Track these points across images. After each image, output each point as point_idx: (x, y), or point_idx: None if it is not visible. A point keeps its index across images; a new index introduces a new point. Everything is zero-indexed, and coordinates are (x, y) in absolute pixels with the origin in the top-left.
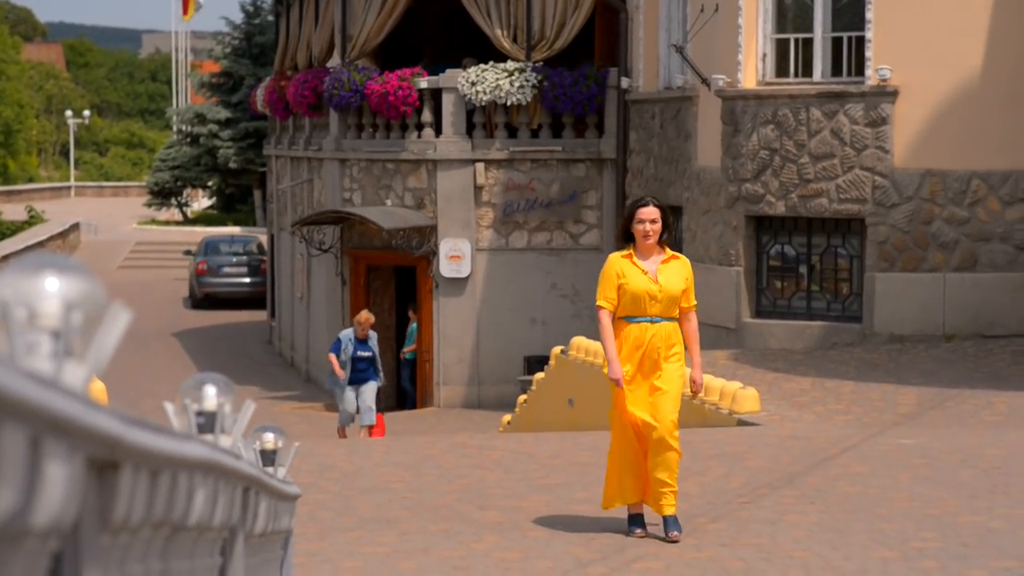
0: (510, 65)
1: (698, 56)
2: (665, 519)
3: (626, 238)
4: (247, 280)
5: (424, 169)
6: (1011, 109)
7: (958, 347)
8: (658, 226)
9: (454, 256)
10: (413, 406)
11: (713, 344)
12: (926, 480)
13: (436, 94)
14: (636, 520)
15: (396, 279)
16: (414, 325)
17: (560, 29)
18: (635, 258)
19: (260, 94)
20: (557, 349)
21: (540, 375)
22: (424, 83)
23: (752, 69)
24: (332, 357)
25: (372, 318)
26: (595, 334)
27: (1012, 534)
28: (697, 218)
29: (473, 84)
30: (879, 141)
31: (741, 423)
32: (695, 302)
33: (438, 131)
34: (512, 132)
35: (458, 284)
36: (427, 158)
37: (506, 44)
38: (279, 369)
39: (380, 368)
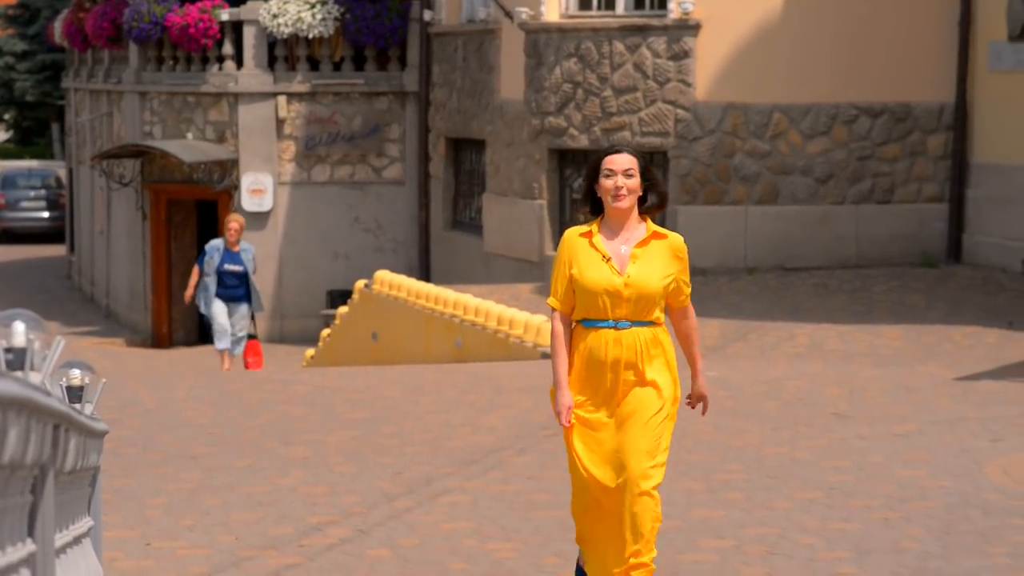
0: None
1: None
2: None
3: (594, 209)
4: (46, 214)
5: (225, 102)
6: (812, 43)
7: (760, 279)
8: (634, 182)
9: (256, 190)
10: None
11: (516, 278)
12: (730, 412)
13: (237, 26)
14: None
15: (198, 213)
16: None
17: None
18: (596, 237)
19: (58, 26)
20: (361, 283)
21: (343, 309)
22: (225, 15)
23: (555, 2)
24: (195, 271)
25: (241, 223)
26: (398, 267)
27: (815, 465)
28: (500, 151)
29: (275, 16)
30: (681, 75)
31: (545, 356)
32: (688, 290)
33: (239, 64)
34: (314, 65)
35: (260, 218)
36: (228, 91)
37: None
38: (79, 304)
39: (257, 291)
